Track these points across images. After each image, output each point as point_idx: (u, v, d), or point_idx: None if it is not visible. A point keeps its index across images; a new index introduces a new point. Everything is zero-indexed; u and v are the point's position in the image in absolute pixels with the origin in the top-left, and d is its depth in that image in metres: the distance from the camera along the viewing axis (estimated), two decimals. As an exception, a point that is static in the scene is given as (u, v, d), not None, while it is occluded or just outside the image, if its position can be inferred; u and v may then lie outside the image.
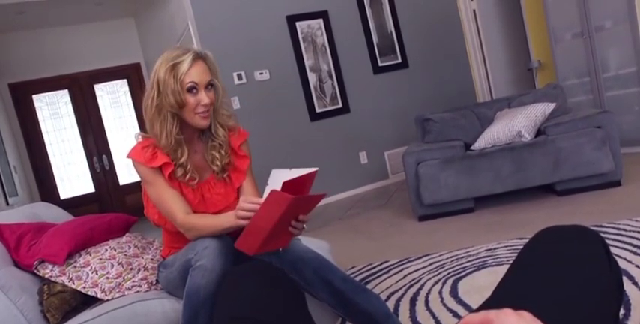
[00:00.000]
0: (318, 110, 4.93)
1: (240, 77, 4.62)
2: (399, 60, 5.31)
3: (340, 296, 1.48)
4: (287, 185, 1.27)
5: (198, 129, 1.62)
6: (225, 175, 1.64)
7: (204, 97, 1.51)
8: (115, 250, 1.86)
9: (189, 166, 1.57)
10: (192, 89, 1.50)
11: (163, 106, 1.51)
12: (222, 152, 1.63)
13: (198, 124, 1.55)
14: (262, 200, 1.29)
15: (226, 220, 1.42)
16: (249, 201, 1.37)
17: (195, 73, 1.50)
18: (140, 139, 1.61)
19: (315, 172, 1.34)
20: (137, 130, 1.60)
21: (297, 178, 1.28)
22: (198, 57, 1.52)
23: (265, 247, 1.32)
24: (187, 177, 1.57)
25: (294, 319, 0.95)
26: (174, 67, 1.49)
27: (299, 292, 1.06)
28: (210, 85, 1.54)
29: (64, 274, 1.72)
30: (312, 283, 1.49)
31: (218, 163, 1.62)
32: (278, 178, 1.29)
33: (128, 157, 1.57)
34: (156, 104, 1.52)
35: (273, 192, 1.24)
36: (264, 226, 1.27)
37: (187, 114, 1.53)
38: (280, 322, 0.91)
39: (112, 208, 6.51)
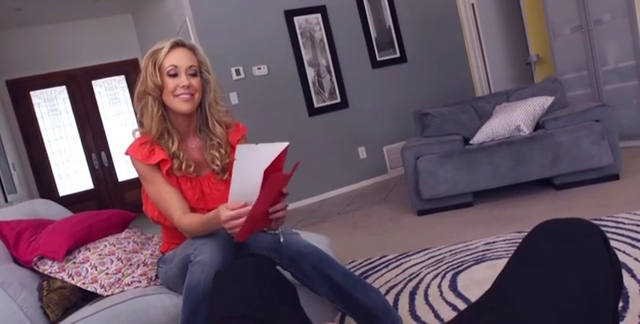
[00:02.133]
0: (316, 105, 4.92)
1: (238, 73, 4.61)
2: (398, 54, 5.30)
3: (339, 291, 1.48)
4: (267, 171, 1.23)
5: (192, 123, 1.63)
6: (225, 177, 1.63)
7: (184, 79, 1.52)
8: (115, 246, 1.86)
9: (182, 154, 1.57)
10: (173, 72, 1.53)
11: (146, 92, 1.54)
12: (222, 151, 1.62)
13: (179, 108, 1.55)
14: (244, 209, 1.25)
15: (215, 222, 1.36)
16: (229, 217, 1.28)
17: (174, 57, 1.53)
18: (138, 135, 1.61)
19: (287, 147, 1.30)
20: (136, 126, 1.60)
21: (275, 161, 1.24)
22: (180, 44, 1.56)
23: (255, 230, 1.32)
24: (183, 165, 1.56)
25: (288, 316, 0.95)
26: (154, 54, 1.54)
27: (292, 288, 1.06)
28: (194, 72, 1.55)
29: (64, 270, 1.72)
30: (312, 278, 1.49)
31: (218, 162, 1.61)
32: (246, 156, 1.25)
33: (126, 153, 1.57)
34: (140, 91, 1.56)
35: (273, 176, 1.22)
36: (261, 210, 1.27)
37: (167, 97, 1.55)
38: (276, 319, 0.91)
39: (110, 204, 6.51)
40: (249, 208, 1.25)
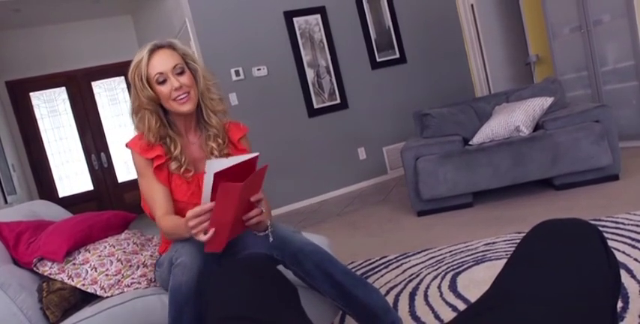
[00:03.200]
0: (316, 106, 4.92)
1: (237, 73, 4.61)
2: (397, 55, 5.30)
3: (340, 289, 1.48)
4: (222, 175, 1.23)
5: (193, 119, 1.64)
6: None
7: (174, 82, 1.52)
8: (114, 247, 1.86)
9: (184, 159, 1.58)
10: (161, 79, 1.52)
11: (141, 107, 1.55)
12: (220, 141, 1.63)
13: (180, 110, 1.55)
14: (208, 205, 1.26)
15: (184, 232, 1.37)
16: (194, 214, 1.28)
17: (157, 64, 1.52)
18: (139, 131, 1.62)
19: (256, 157, 1.31)
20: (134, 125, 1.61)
21: (233, 167, 1.25)
22: (156, 47, 1.54)
23: (229, 238, 1.32)
24: (182, 169, 1.57)
25: (288, 317, 0.95)
26: (137, 67, 1.53)
27: (292, 288, 1.06)
28: (180, 70, 1.54)
29: (63, 271, 1.72)
30: (313, 276, 1.49)
31: (217, 153, 1.62)
32: (214, 168, 1.26)
33: (126, 145, 1.59)
34: (135, 106, 1.56)
35: (221, 186, 1.22)
36: (225, 220, 1.27)
37: (166, 103, 1.55)
38: (275, 319, 0.91)
39: (110, 205, 6.51)
40: (212, 204, 1.25)
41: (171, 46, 1.57)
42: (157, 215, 1.54)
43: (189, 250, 1.40)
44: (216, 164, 1.28)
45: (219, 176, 1.23)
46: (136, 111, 1.57)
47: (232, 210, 1.26)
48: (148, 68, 1.51)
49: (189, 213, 1.29)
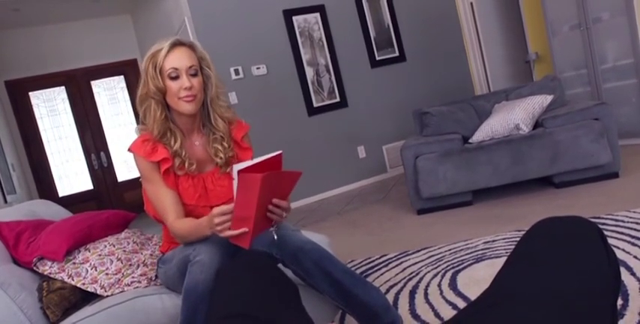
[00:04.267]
0: (315, 105, 4.92)
1: (237, 72, 4.61)
2: (397, 54, 5.29)
3: (340, 287, 1.48)
4: (246, 171, 1.24)
5: (196, 121, 1.64)
6: (228, 170, 1.63)
7: (185, 81, 1.52)
8: (114, 246, 1.86)
9: (184, 153, 1.57)
10: (174, 74, 1.52)
11: (148, 95, 1.55)
12: (225, 144, 1.64)
13: (184, 109, 1.55)
14: (233, 205, 1.27)
15: (206, 225, 1.38)
16: (221, 212, 1.31)
17: (174, 59, 1.52)
18: (140, 133, 1.61)
19: (280, 154, 1.32)
20: (135, 126, 1.61)
21: (257, 164, 1.26)
22: (178, 44, 1.55)
23: (254, 235, 1.32)
24: (186, 164, 1.57)
25: (289, 315, 0.95)
26: (153, 56, 1.54)
27: (293, 286, 1.06)
28: (194, 72, 1.55)
29: (63, 270, 1.72)
30: (312, 274, 1.49)
31: (222, 155, 1.62)
32: (239, 168, 1.27)
33: (129, 150, 1.58)
34: (143, 93, 1.56)
35: (241, 176, 1.23)
36: (247, 214, 1.27)
37: (171, 99, 1.55)
38: (275, 318, 0.91)
39: (110, 204, 6.50)
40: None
41: (192, 47, 1.58)
42: (169, 220, 1.53)
43: (208, 248, 1.39)
44: (242, 165, 1.29)
45: (243, 173, 1.23)
46: (143, 99, 1.57)
47: (254, 203, 1.25)
48: (165, 60, 1.52)
49: (216, 210, 1.30)
